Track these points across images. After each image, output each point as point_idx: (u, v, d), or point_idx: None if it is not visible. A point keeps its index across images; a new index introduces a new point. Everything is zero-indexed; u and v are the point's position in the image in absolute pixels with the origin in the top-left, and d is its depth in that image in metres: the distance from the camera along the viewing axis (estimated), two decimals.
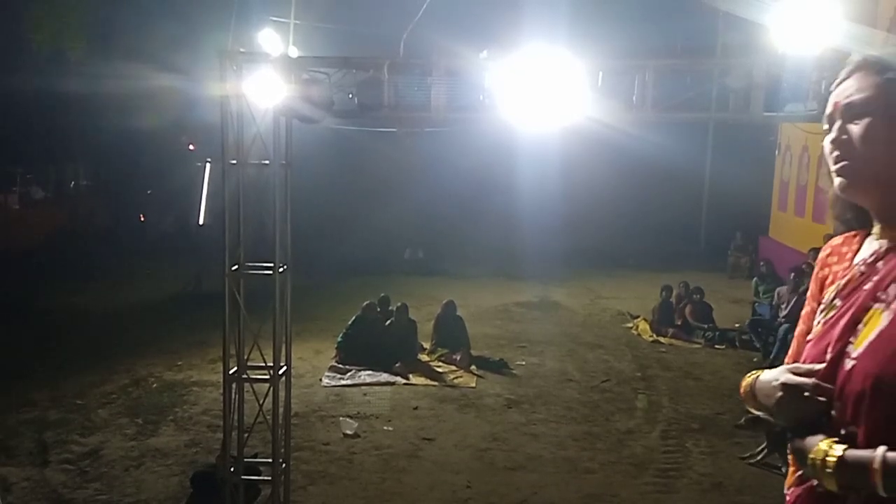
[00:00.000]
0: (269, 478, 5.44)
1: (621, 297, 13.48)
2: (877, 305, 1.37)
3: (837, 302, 1.46)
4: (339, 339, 9.64)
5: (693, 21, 15.14)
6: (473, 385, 8.87)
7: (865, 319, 1.38)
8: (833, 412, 1.37)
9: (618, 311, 12.55)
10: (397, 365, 9.15)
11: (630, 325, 11.71)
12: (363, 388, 8.67)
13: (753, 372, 1.55)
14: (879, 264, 1.42)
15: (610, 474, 6.56)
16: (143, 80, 15.55)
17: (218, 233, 5.45)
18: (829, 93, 1.51)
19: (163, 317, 11.78)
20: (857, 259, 1.49)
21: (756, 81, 4.89)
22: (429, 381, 8.95)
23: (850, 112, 1.43)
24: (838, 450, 1.32)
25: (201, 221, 15.09)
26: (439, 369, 9.34)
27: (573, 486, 6.32)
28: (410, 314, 10.03)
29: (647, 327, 11.32)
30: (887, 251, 1.42)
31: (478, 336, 10.47)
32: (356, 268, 15.00)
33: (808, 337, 1.52)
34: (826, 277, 1.55)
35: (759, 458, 6.55)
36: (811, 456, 1.36)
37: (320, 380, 8.89)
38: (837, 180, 1.45)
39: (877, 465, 1.26)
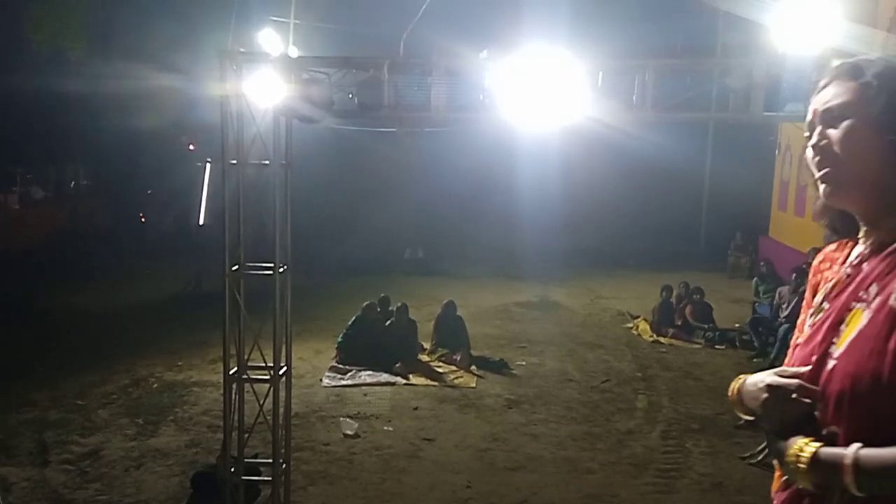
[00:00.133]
0: (270, 478, 5.44)
1: (621, 297, 13.49)
2: (858, 305, 1.38)
3: (825, 305, 1.48)
4: (339, 339, 9.64)
5: (693, 21, 15.14)
6: (473, 385, 8.87)
7: (847, 320, 1.39)
8: (817, 413, 1.38)
9: (618, 311, 12.55)
10: (397, 365, 9.15)
11: (630, 325, 11.71)
12: (363, 388, 8.67)
13: (741, 376, 1.56)
14: (864, 266, 1.43)
15: (610, 474, 6.56)
16: (143, 80, 15.56)
17: (218, 233, 5.45)
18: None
19: (163, 317, 11.78)
20: (846, 263, 1.51)
21: (756, 81, 4.89)
22: (429, 382, 8.95)
23: (828, 117, 1.44)
24: (812, 448, 1.33)
25: (201, 221, 15.07)
26: (439, 369, 9.33)
27: (573, 487, 6.32)
28: (410, 314, 10.02)
29: (648, 327, 11.32)
30: (871, 253, 1.43)
31: (478, 336, 10.46)
32: (356, 268, 15.01)
33: (798, 340, 1.53)
34: (818, 284, 1.57)
35: (759, 458, 6.53)
36: (787, 455, 1.37)
37: (320, 380, 8.89)
38: (821, 187, 1.46)
39: (848, 462, 1.26)
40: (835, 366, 1.36)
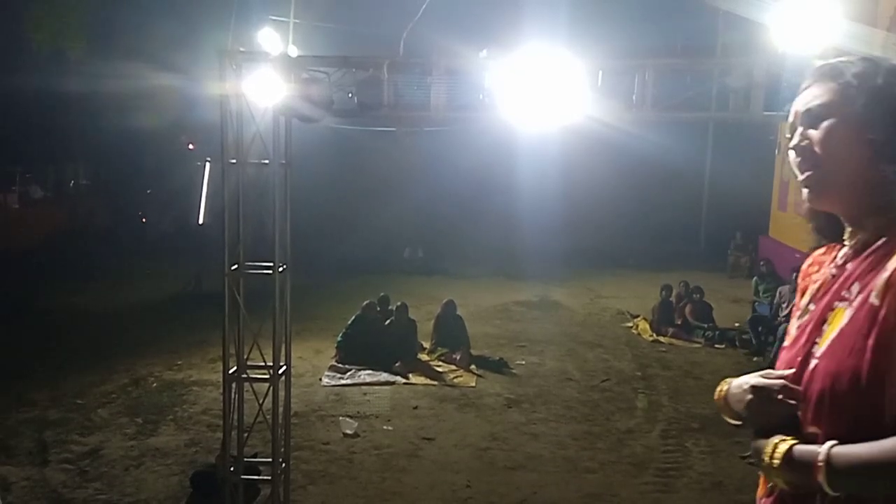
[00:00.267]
0: (269, 477, 5.44)
1: (621, 297, 13.49)
2: (840, 304, 1.37)
3: (811, 306, 1.47)
4: (338, 338, 9.64)
5: (693, 21, 15.11)
6: (473, 384, 8.87)
7: (830, 319, 1.38)
8: (800, 414, 1.37)
9: (618, 311, 12.56)
10: (397, 364, 9.15)
11: (630, 324, 11.71)
12: (363, 387, 8.67)
13: (727, 380, 1.55)
14: (848, 265, 1.43)
15: (610, 474, 6.56)
16: (143, 80, 15.56)
17: (218, 232, 5.45)
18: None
19: (163, 317, 11.78)
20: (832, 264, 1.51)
21: (756, 81, 4.88)
22: (429, 381, 8.95)
23: (809, 118, 1.44)
24: (786, 445, 1.32)
25: (201, 221, 15.09)
26: (439, 369, 9.34)
27: (573, 486, 6.32)
28: (410, 313, 10.03)
29: (647, 327, 11.33)
30: (855, 253, 1.43)
31: (478, 335, 10.47)
32: (356, 267, 15.01)
33: (784, 343, 1.52)
34: (807, 287, 1.56)
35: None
36: (763, 453, 1.36)
37: (320, 379, 8.89)
38: (804, 191, 1.46)
39: (821, 459, 1.24)
40: (816, 365, 1.35)
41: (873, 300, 1.27)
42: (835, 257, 1.50)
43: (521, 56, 4.94)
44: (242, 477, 5.38)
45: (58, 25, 16.83)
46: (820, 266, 1.56)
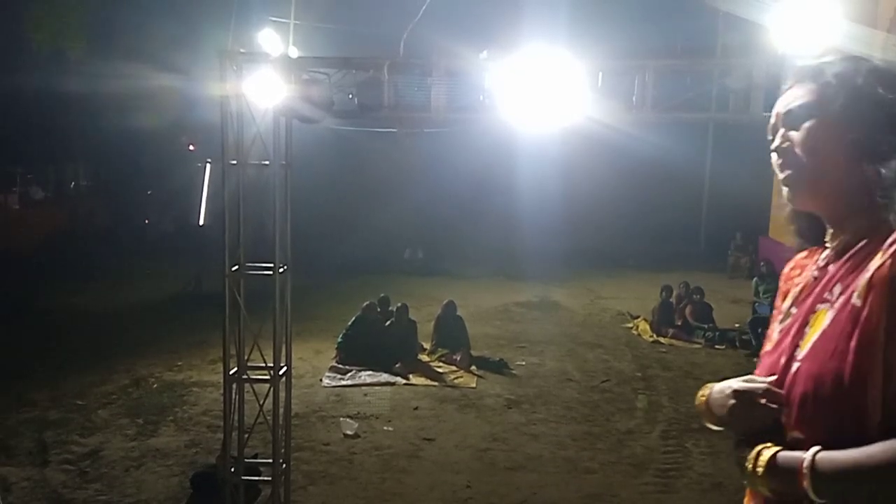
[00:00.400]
0: (270, 478, 5.45)
1: (621, 298, 13.48)
2: (822, 306, 1.35)
3: (793, 310, 1.46)
4: (339, 339, 9.64)
5: (693, 21, 15.10)
6: (473, 385, 8.87)
7: (812, 321, 1.36)
8: (783, 419, 1.34)
9: (618, 312, 12.55)
10: (397, 365, 9.15)
11: (630, 325, 11.71)
12: (363, 388, 8.67)
13: (708, 385, 1.53)
14: (830, 267, 1.41)
15: (610, 474, 6.56)
16: (143, 80, 15.55)
17: (218, 233, 5.45)
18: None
19: (163, 317, 11.78)
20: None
21: (756, 82, 4.89)
22: (429, 382, 8.95)
23: (789, 119, 1.43)
24: (769, 452, 1.29)
25: (201, 222, 15.10)
26: (439, 369, 9.34)
27: (573, 486, 6.32)
28: (410, 314, 10.03)
29: (647, 327, 11.33)
30: (837, 255, 1.41)
31: (478, 336, 10.47)
32: (356, 268, 15.00)
33: (766, 348, 1.50)
34: (788, 291, 1.55)
35: None
36: (746, 461, 1.34)
37: (320, 380, 8.89)
38: (785, 191, 1.45)
39: (805, 466, 1.22)
40: (799, 368, 1.33)
41: (855, 301, 1.26)
42: (817, 260, 1.49)
43: (521, 57, 4.94)
44: (243, 478, 5.38)
45: (58, 25, 16.83)
46: (802, 269, 1.54)
